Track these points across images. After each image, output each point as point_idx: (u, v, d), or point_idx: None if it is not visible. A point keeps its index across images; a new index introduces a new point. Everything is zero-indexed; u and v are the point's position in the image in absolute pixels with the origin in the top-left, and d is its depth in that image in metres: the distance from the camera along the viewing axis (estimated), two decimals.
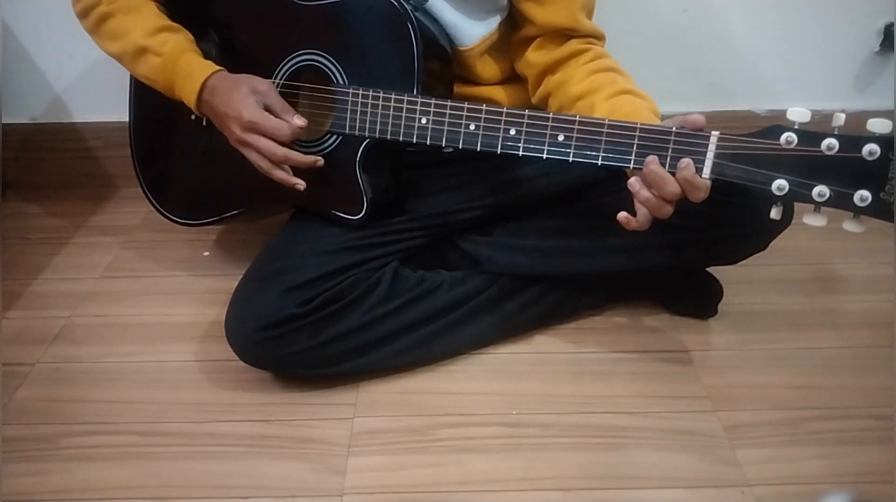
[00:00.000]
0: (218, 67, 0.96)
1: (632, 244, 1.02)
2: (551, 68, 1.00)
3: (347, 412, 0.98)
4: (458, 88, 1.02)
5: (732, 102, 1.45)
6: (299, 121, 0.94)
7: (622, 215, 0.85)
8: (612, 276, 1.09)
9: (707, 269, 1.14)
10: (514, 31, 1.03)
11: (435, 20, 0.98)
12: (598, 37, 1.02)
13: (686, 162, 0.81)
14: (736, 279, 1.15)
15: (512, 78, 1.06)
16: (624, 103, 0.92)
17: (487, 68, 1.04)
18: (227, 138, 0.96)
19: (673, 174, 0.82)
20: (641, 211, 0.84)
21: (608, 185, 1.01)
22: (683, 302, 1.14)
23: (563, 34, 0.99)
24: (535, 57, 1.01)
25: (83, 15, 1.02)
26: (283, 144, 0.93)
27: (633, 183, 0.84)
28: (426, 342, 1.02)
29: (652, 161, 0.82)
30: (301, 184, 0.95)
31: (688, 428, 0.94)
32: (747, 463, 0.89)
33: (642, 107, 0.91)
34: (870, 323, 1.12)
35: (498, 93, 1.05)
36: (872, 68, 1.45)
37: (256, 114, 0.92)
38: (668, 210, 0.83)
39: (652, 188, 0.83)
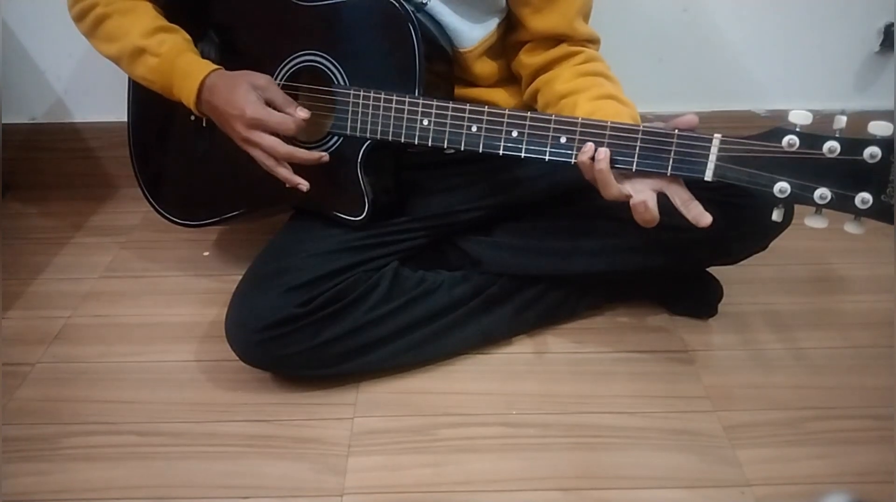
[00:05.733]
0: (216, 66, 0.96)
1: (632, 244, 1.02)
2: (543, 68, 1.01)
3: (347, 412, 0.98)
4: (457, 90, 1.02)
5: (732, 102, 1.45)
6: (302, 113, 0.93)
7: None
8: (613, 276, 1.09)
9: (707, 269, 1.14)
10: (508, 33, 1.03)
11: (435, 22, 0.98)
12: (592, 41, 1.02)
13: (604, 152, 0.83)
14: (736, 279, 1.15)
15: (509, 78, 1.07)
16: (606, 107, 0.92)
17: (486, 69, 1.04)
18: (232, 137, 0.95)
19: (678, 177, 0.82)
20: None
21: None
22: (683, 302, 1.14)
23: (556, 39, 1.00)
24: (527, 58, 1.02)
25: (80, 18, 1.02)
26: (287, 140, 0.93)
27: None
28: (426, 342, 1.02)
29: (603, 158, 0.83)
30: (304, 184, 0.94)
31: (688, 428, 0.95)
32: (747, 463, 0.90)
33: (623, 112, 0.92)
34: (870, 323, 1.12)
35: (497, 94, 1.06)
36: (872, 68, 1.45)
37: (260, 110, 0.92)
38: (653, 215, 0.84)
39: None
